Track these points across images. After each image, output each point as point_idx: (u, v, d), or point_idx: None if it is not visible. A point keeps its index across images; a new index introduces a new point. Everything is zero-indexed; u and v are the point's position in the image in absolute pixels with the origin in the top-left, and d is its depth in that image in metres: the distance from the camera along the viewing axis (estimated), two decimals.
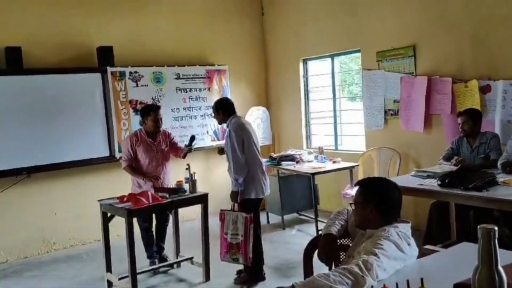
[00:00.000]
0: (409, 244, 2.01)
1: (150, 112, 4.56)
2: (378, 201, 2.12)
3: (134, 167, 4.56)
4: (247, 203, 4.20)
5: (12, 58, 5.15)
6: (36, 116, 5.30)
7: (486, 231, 1.31)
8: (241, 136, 4.13)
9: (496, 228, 1.32)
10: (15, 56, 5.15)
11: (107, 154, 5.76)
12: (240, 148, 4.11)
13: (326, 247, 2.28)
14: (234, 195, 4.21)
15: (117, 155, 5.74)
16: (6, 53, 5.13)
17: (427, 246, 3.83)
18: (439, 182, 3.65)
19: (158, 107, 4.66)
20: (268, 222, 6.12)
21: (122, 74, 5.83)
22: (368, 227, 2.13)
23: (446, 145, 4.76)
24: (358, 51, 6.06)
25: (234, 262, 4.16)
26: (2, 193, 5.06)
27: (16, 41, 5.19)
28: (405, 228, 2.07)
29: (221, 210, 4.25)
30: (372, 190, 2.19)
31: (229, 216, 4.16)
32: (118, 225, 4.31)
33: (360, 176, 5.63)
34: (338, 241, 2.35)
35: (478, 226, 1.34)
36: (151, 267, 4.62)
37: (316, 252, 2.35)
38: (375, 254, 1.86)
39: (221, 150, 4.55)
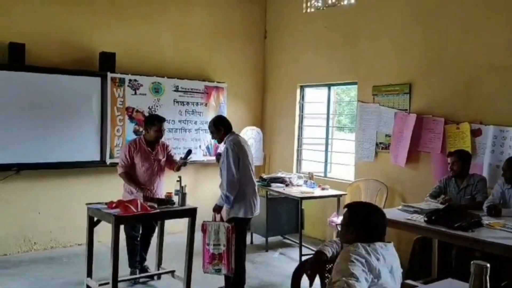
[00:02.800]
0: (377, 259, 2.08)
1: (155, 122, 4.58)
2: (358, 224, 2.23)
3: (130, 175, 4.56)
4: (237, 222, 4.22)
5: (15, 54, 5.17)
6: (33, 114, 5.29)
7: (479, 267, 1.37)
8: (237, 154, 4.18)
9: (488, 265, 1.38)
10: (18, 52, 5.17)
11: (98, 158, 5.75)
12: (235, 166, 4.15)
13: (314, 263, 2.36)
14: (218, 208, 4.25)
15: (108, 160, 5.75)
16: (9, 48, 5.15)
17: (409, 281, 3.88)
18: (426, 219, 3.71)
19: (164, 119, 4.68)
20: (252, 242, 6.11)
21: (122, 81, 5.86)
22: None
23: (433, 183, 4.85)
24: (355, 83, 6.19)
25: (217, 273, 4.16)
26: None
27: (20, 38, 5.22)
28: (380, 246, 2.15)
29: (203, 221, 4.24)
30: (355, 214, 2.30)
31: (211, 226, 4.16)
32: (100, 231, 4.32)
33: None
34: (329, 266, 2.40)
35: (472, 262, 1.40)
36: (132, 276, 4.60)
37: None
38: (351, 274, 1.94)
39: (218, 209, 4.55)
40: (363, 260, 2.03)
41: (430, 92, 5.31)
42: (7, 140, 5.12)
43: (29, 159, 5.25)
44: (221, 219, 4.24)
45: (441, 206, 4.03)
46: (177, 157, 4.86)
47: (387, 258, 2.13)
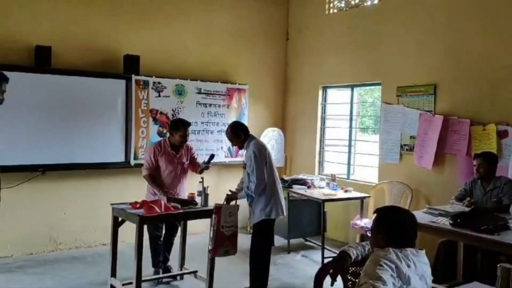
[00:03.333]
0: (408, 266, 2.04)
1: (180, 126, 4.58)
2: (389, 229, 2.19)
3: (154, 178, 4.60)
4: (267, 223, 4.24)
5: (42, 57, 5.26)
6: (58, 115, 5.39)
7: (506, 270, 1.34)
8: (264, 157, 4.21)
9: None
10: (44, 55, 5.27)
11: (122, 159, 5.83)
12: (264, 168, 4.18)
13: (337, 262, 2.34)
14: (234, 196, 4.31)
15: (133, 161, 5.83)
16: (36, 51, 5.26)
17: (434, 285, 3.82)
18: (451, 221, 3.66)
19: (189, 124, 4.68)
20: (273, 244, 6.08)
21: (146, 83, 5.94)
22: None
23: (459, 185, 4.77)
24: (378, 84, 6.13)
25: (225, 254, 4.14)
26: (15, 187, 5.11)
27: (47, 41, 5.33)
28: (412, 252, 2.11)
29: (216, 204, 4.20)
30: (385, 218, 2.26)
31: (226, 209, 4.11)
32: (124, 231, 4.37)
33: (371, 207, 5.64)
34: (353, 268, 2.38)
35: (498, 265, 1.37)
36: (155, 276, 4.65)
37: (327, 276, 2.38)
38: (379, 278, 1.91)
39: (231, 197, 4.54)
40: (393, 266, 1.99)
41: (455, 93, 5.22)
42: (33, 141, 5.23)
43: (54, 160, 5.35)
44: (236, 203, 4.29)
45: (467, 209, 3.97)
46: (200, 160, 4.87)
47: (418, 265, 2.08)
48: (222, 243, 4.10)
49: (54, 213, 5.57)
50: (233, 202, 4.31)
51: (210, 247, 4.13)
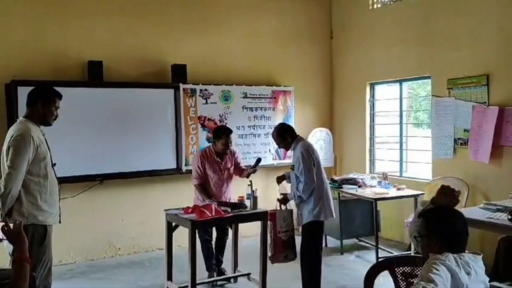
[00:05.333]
0: (468, 273, 1.93)
1: (222, 135, 4.68)
2: (442, 233, 2.06)
3: (204, 187, 4.71)
4: (316, 225, 4.23)
5: (94, 71, 5.49)
6: (112, 127, 5.61)
7: None
8: (312, 158, 4.20)
9: None
10: (96, 69, 5.50)
11: (174, 166, 5.99)
12: (313, 170, 4.16)
13: None
14: (287, 200, 4.33)
15: (184, 167, 5.98)
16: (89, 66, 5.49)
17: (494, 283, 3.68)
18: (510, 217, 3.51)
19: (231, 132, 4.75)
20: (326, 245, 6.04)
21: (193, 91, 6.07)
22: None
23: None
24: (428, 77, 5.96)
25: (285, 260, 4.23)
26: (75, 197, 5.35)
27: (98, 56, 5.56)
28: (470, 258, 2.00)
29: (270, 211, 4.27)
30: (436, 221, 2.11)
31: (280, 214, 4.23)
32: (179, 235, 4.49)
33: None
34: (402, 268, 2.34)
35: None
36: (209, 279, 4.73)
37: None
38: (431, 281, 1.83)
39: (281, 178, 4.56)
40: (449, 275, 1.88)
41: (510, 82, 4.99)
42: (91, 152, 5.46)
43: (111, 169, 5.57)
44: (286, 207, 4.34)
45: None
46: (243, 164, 4.93)
47: (479, 272, 1.98)
48: (281, 249, 4.17)
49: (113, 220, 5.79)
50: (283, 207, 4.33)
51: (269, 254, 4.23)
